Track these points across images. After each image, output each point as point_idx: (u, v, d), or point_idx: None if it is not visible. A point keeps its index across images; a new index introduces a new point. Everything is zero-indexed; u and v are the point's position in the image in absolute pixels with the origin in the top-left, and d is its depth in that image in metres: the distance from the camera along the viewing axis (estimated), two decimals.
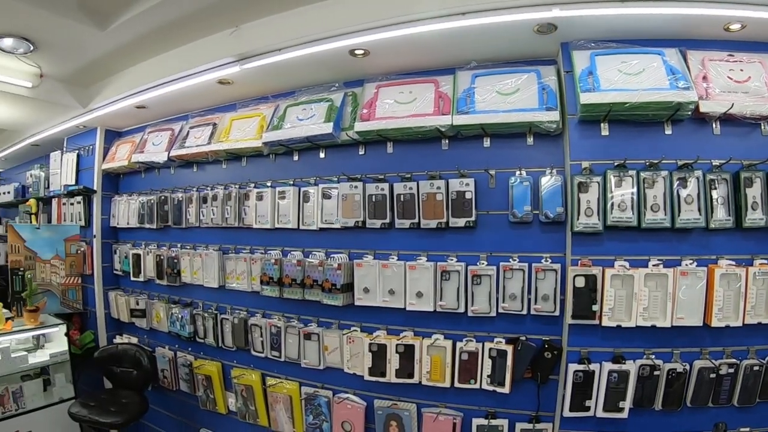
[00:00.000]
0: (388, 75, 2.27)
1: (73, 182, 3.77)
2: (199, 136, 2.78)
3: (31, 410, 2.87)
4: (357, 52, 2.06)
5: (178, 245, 3.03)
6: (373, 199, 2.16)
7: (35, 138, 4.21)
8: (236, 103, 2.80)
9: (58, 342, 3.18)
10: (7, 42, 2.45)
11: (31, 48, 2.52)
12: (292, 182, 2.46)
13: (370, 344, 2.14)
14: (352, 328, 2.27)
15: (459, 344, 2.03)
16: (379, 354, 2.14)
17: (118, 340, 3.47)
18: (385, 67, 2.23)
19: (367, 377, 2.16)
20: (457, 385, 2.03)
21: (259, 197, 2.50)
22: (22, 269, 3.43)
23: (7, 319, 2.99)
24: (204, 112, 2.99)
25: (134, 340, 3.38)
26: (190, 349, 3.01)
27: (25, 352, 2.98)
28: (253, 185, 2.61)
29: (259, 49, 2.17)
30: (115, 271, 3.57)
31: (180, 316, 2.93)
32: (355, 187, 2.19)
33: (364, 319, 2.26)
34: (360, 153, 2.31)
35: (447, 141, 2.12)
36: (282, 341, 2.47)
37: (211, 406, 2.87)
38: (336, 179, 2.33)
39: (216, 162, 2.85)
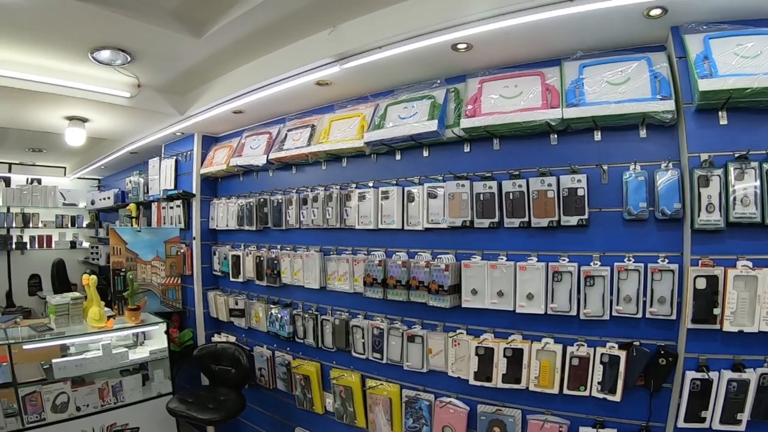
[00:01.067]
0: (490, 69, 2.48)
1: (172, 187, 4.53)
2: (298, 139, 3.26)
3: (130, 404, 3.47)
4: (459, 46, 2.27)
5: (278, 246, 3.55)
6: (481, 198, 2.41)
7: (134, 146, 5.06)
8: (333, 104, 3.23)
9: (157, 339, 3.81)
10: (105, 54, 2.98)
11: (128, 59, 3.04)
12: (395, 182, 2.81)
13: (477, 347, 2.35)
14: (458, 331, 2.53)
15: (570, 349, 2.18)
16: (485, 358, 2.33)
17: (216, 338, 4.12)
18: (486, 60, 2.45)
19: (472, 381, 2.38)
20: (565, 391, 2.18)
21: (362, 198, 2.89)
22: (123, 270, 4.20)
23: (109, 317, 3.64)
24: (300, 114, 3.49)
25: (232, 338, 3.98)
26: (288, 348, 3.51)
27: (126, 349, 3.61)
28: (354, 186, 3.01)
29: (359, 48, 2.45)
30: (214, 272, 4.23)
31: (279, 316, 3.44)
32: (462, 185, 2.47)
33: (471, 322, 2.52)
34: (465, 150, 2.57)
35: (555, 135, 2.29)
36: (384, 343, 2.81)
37: (308, 405, 3.32)
38: (441, 178, 2.63)
39: (315, 163, 3.30)
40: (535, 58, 2.40)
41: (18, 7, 2.34)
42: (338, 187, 3.12)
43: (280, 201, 3.47)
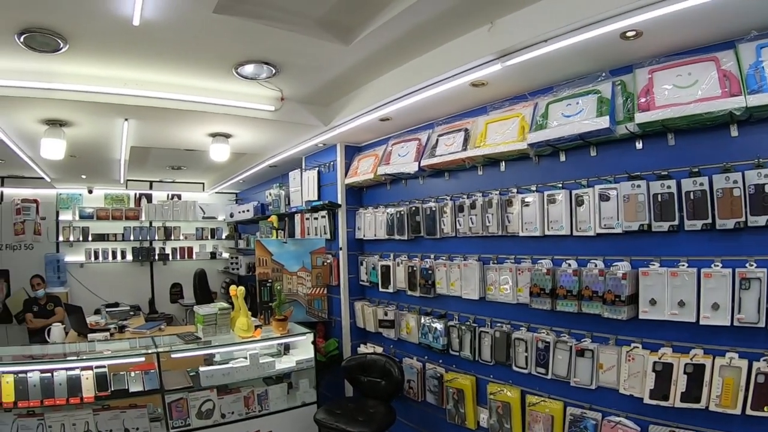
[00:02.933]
0: (657, 57, 2.56)
1: (316, 198, 5.18)
2: (451, 143, 3.62)
3: (274, 412, 3.95)
4: (629, 34, 2.35)
5: (432, 256, 3.93)
6: (659, 199, 2.52)
7: (274, 159, 5.83)
8: (486, 105, 3.53)
9: (303, 349, 4.34)
10: (249, 69, 3.40)
11: (273, 72, 3.45)
12: (560, 185, 3.02)
13: (654, 363, 2.45)
14: (633, 345, 2.62)
15: (756, 364, 2.18)
16: (663, 374, 2.41)
17: (361, 349, 4.64)
18: (654, 48, 2.52)
19: (647, 400, 2.47)
20: (748, 412, 2.18)
21: (525, 203, 3.14)
22: (269, 280, 4.87)
23: (256, 327, 4.19)
24: (450, 118, 3.83)
25: (379, 349, 4.45)
26: (441, 361, 3.87)
27: (272, 358, 4.12)
28: (515, 190, 3.27)
29: (522, 42, 2.58)
30: (361, 282, 4.77)
31: (434, 327, 3.81)
32: (638, 186, 2.59)
33: (646, 335, 2.61)
34: (637, 147, 2.68)
35: (735, 126, 2.32)
36: (550, 357, 3.00)
37: (460, 420, 3.63)
38: (612, 179, 2.77)
39: (470, 169, 3.62)
40: (704, 42, 2.44)
41: (163, 28, 2.75)
42: (497, 192, 3.39)
43: (433, 209, 3.85)
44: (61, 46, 2.96)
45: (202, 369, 3.83)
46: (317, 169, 5.32)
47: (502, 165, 3.44)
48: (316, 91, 3.98)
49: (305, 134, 4.77)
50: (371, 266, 4.59)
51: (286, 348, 4.49)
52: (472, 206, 3.53)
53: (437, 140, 3.80)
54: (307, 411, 4.08)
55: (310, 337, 4.29)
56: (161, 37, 2.90)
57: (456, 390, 3.67)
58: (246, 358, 3.99)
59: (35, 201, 8.05)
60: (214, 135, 4.80)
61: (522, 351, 3.20)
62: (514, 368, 3.25)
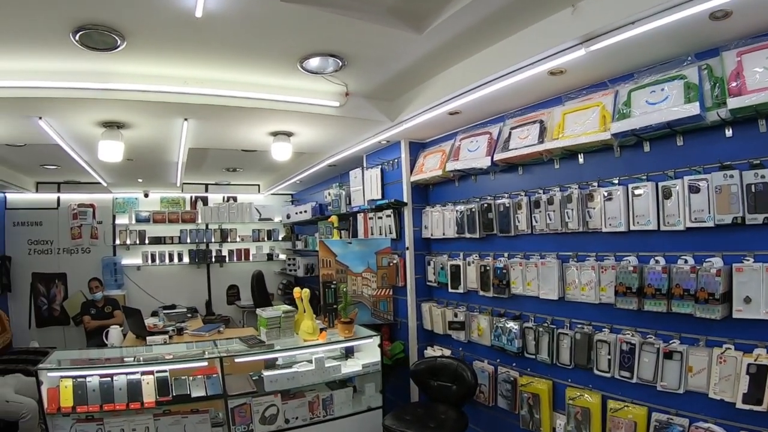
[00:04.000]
0: (744, 38, 2.54)
1: (380, 196, 5.34)
2: (525, 136, 3.69)
3: (339, 417, 4.11)
4: (718, 14, 2.34)
5: (505, 254, 4.02)
6: (752, 189, 2.52)
7: (334, 158, 6.01)
8: (560, 95, 3.58)
9: (369, 352, 4.48)
10: (314, 62, 3.46)
11: (340, 65, 3.50)
12: (645, 177, 3.06)
13: (749, 365, 2.45)
14: (725, 346, 2.60)
15: None
16: (757, 377, 2.40)
17: (428, 351, 4.76)
18: (741, 29, 2.51)
19: (739, 405, 2.47)
20: None
21: (608, 197, 3.18)
22: (334, 282, 5.02)
23: (321, 329, 4.35)
24: (522, 110, 3.90)
25: (447, 352, 4.56)
26: (514, 364, 3.96)
27: (337, 362, 4.27)
28: (596, 184, 3.31)
29: (608, 25, 2.56)
30: (428, 283, 4.91)
31: (508, 329, 3.90)
32: (731, 176, 2.60)
33: (740, 335, 2.60)
34: (727, 135, 2.68)
35: None
36: (635, 360, 3.02)
37: (535, 426, 3.70)
38: (700, 169, 2.77)
39: (546, 162, 3.67)
40: None
41: (227, 20, 2.81)
42: (576, 186, 3.44)
43: (507, 205, 3.94)
44: (119, 43, 3.05)
45: (265, 373, 3.99)
46: (380, 167, 5.48)
47: (581, 157, 3.47)
48: (382, 85, 4.08)
49: (369, 131, 4.91)
50: (439, 266, 4.72)
51: (351, 351, 4.64)
52: (550, 201, 3.58)
53: (510, 133, 3.87)
54: (373, 416, 4.25)
55: (377, 339, 4.43)
56: (224, 31, 2.98)
57: (531, 395, 3.74)
58: (311, 361, 4.14)
59: (92, 205, 8.73)
60: (275, 134, 4.96)
61: (604, 353, 3.23)
62: (596, 372, 3.29)
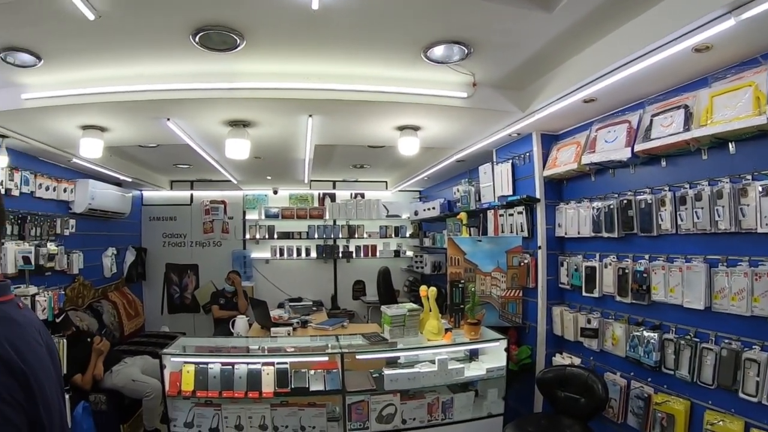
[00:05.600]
0: None
1: (511, 192, 5.28)
2: (669, 124, 3.45)
3: (458, 422, 4.14)
4: None
5: (646, 256, 3.80)
6: None
7: (463, 153, 6.04)
8: (706, 76, 3.29)
9: (494, 356, 4.47)
10: (439, 51, 3.41)
11: (465, 52, 3.44)
12: None
13: None
14: None
15: None
16: None
17: (557, 358, 4.64)
18: None
19: None
20: None
21: (764, 192, 2.89)
22: (462, 281, 5.05)
23: (446, 330, 4.38)
24: (664, 94, 3.65)
25: (576, 360, 4.42)
26: (649, 379, 3.74)
27: (460, 364, 4.28)
28: (750, 177, 3.02)
29: None
30: (560, 285, 4.78)
31: (645, 339, 3.69)
32: None
33: None
34: None
35: None
36: None
37: None
38: None
39: (691, 153, 3.41)
40: None
41: (345, 11, 2.86)
42: (728, 179, 3.17)
43: (649, 201, 3.72)
44: (238, 42, 3.25)
45: (386, 371, 4.10)
46: (511, 161, 5.42)
47: (731, 146, 3.18)
48: (510, 74, 4.00)
49: (498, 123, 4.87)
50: (573, 267, 4.57)
51: (475, 354, 4.65)
52: (697, 197, 3.32)
53: (651, 121, 3.66)
54: (493, 423, 4.23)
55: (504, 343, 4.40)
56: (343, 22, 3.04)
57: (665, 414, 3.52)
58: (433, 362, 4.20)
59: (223, 202, 9.78)
60: (401, 128, 5.02)
61: (753, 375, 2.94)
62: (741, 395, 3.01)
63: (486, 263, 5.22)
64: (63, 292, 5.76)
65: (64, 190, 6.39)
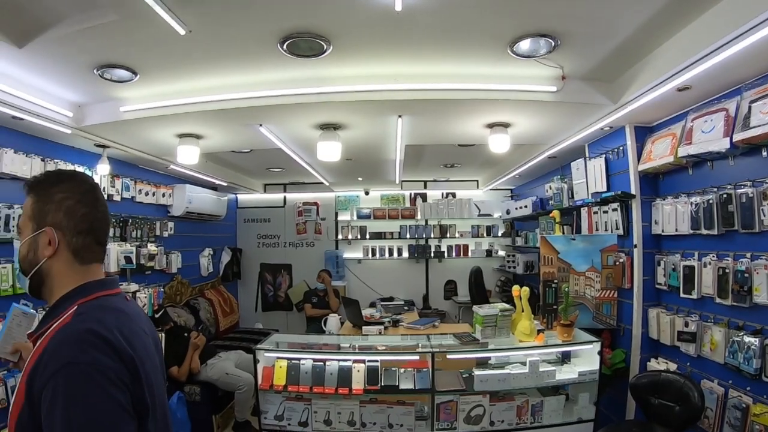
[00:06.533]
0: None
1: (604, 189, 5.15)
2: None
3: (547, 426, 4.10)
4: None
5: (748, 254, 3.60)
6: None
7: (554, 149, 5.95)
8: None
9: (586, 359, 4.38)
10: (525, 45, 3.42)
11: (553, 45, 3.40)
12: None
13: None
14: None
15: None
16: None
17: (652, 363, 4.47)
18: None
19: None
20: None
21: None
22: (555, 281, 4.98)
23: (539, 331, 4.35)
24: (761, 78, 3.42)
25: (672, 366, 4.24)
26: (749, 388, 3.53)
27: (552, 367, 4.22)
28: None
29: None
30: (657, 285, 4.60)
31: (746, 345, 3.49)
32: None
33: None
34: None
35: None
36: None
37: None
38: None
39: None
40: None
41: (429, 10, 2.92)
42: None
43: (750, 195, 3.53)
44: (325, 48, 3.40)
45: (476, 372, 4.13)
46: (604, 156, 5.28)
47: None
48: (600, 65, 3.92)
49: (590, 117, 4.79)
50: (670, 267, 4.39)
51: (567, 356, 4.58)
52: None
53: (749, 108, 3.45)
54: (583, 429, 4.16)
55: (597, 346, 4.30)
56: (426, 21, 3.09)
57: (764, 427, 3.31)
58: (524, 364, 4.19)
59: (315, 203, 10.29)
60: (491, 125, 5.03)
61: None
62: None
63: (580, 263, 5.11)
64: (162, 290, 6.29)
65: (163, 195, 6.98)
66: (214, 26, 3.18)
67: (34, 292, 1.53)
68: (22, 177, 4.43)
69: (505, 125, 5.03)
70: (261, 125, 4.88)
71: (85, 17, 2.94)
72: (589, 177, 5.57)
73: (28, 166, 4.55)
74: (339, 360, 4.26)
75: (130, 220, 6.08)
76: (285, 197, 10.44)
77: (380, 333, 5.69)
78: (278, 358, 4.31)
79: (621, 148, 4.98)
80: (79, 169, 5.14)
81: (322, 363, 4.24)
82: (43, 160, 4.80)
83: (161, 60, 3.68)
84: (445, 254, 10.02)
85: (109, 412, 1.26)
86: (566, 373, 4.26)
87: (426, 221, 10.06)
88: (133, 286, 5.50)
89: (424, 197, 10.26)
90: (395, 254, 10.02)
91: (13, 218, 4.36)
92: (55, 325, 1.37)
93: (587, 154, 5.72)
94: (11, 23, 3.01)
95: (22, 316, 1.81)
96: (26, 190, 1.54)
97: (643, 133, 4.83)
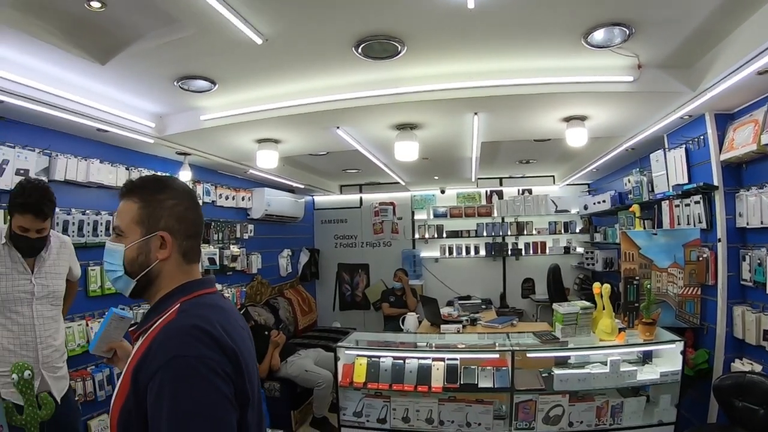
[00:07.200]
0: None
1: (686, 180, 4.97)
2: None
3: (627, 428, 4.03)
4: None
5: None
6: None
7: (632, 141, 5.80)
8: None
9: (668, 359, 4.28)
10: (599, 35, 3.38)
11: (627, 33, 3.33)
12: None
13: None
14: None
15: None
16: None
17: (736, 364, 4.29)
18: None
19: None
20: None
21: None
22: (637, 278, 4.85)
23: (620, 329, 4.27)
24: None
25: (758, 367, 4.05)
26: None
27: (633, 367, 4.14)
28: None
29: None
30: (742, 282, 4.42)
31: None
32: None
33: None
34: None
35: None
36: None
37: None
38: None
39: None
40: None
41: (501, 5, 2.95)
42: None
43: None
44: (399, 49, 3.48)
45: (556, 371, 4.11)
46: (684, 146, 5.11)
47: None
48: (676, 51, 3.80)
49: (668, 105, 4.66)
50: (756, 262, 4.22)
51: (649, 356, 4.49)
52: None
53: None
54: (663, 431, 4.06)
55: (680, 346, 4.19)
56: (499, 17, 3.11)
57: None
58: (605, 363, 4.13)
59: (392, 203, 10.46)
60: (568, 119, 4.99)
61: None
62: None
63: (662, 258, 4.97)
64: (243, 290, 6.57)
65: (242, 199, 7.33)
66: (290, 34, 3.33)
67: (138, 293, 1.64)
68: (108, 185, 4.83)
69: (582, 118, 4.96)
70: (338, 128, 5.04)
71: (163, 32, 3.17)
72: (669, 169, 5.39)
73: (114, 175, 4.93)
74: (419, 358, 4.36)
75: (212, 224, 6.40)
76: (361, 198, 10.67)
77: (458, 331, 5.72)
78: (358, 355, 4.45)
79: (701, 137, 4.80)
80: None
81: (401, 361, 4.35)
82: (127, 168, 5.16)
83: (239, 69, 3.89)
84: (522, 252, 9.96)
85: (215, 404, 1.35)
86: (647, 374, 4.18)
87: (502, 218, 10.02)
88: (217, 287, 5.82)
89: (500, 194, 10.22)
90: (472, 252, 10.05)
91: (101, 224, 4.71)
92: (159, 321, 1.49)
93: (666, 145, 5.54)
94: (94, 42, 3.28)
95: (119, 320, 1.92)
96: (125, 195, 1.63)
97: (724, 120, 4.63)
